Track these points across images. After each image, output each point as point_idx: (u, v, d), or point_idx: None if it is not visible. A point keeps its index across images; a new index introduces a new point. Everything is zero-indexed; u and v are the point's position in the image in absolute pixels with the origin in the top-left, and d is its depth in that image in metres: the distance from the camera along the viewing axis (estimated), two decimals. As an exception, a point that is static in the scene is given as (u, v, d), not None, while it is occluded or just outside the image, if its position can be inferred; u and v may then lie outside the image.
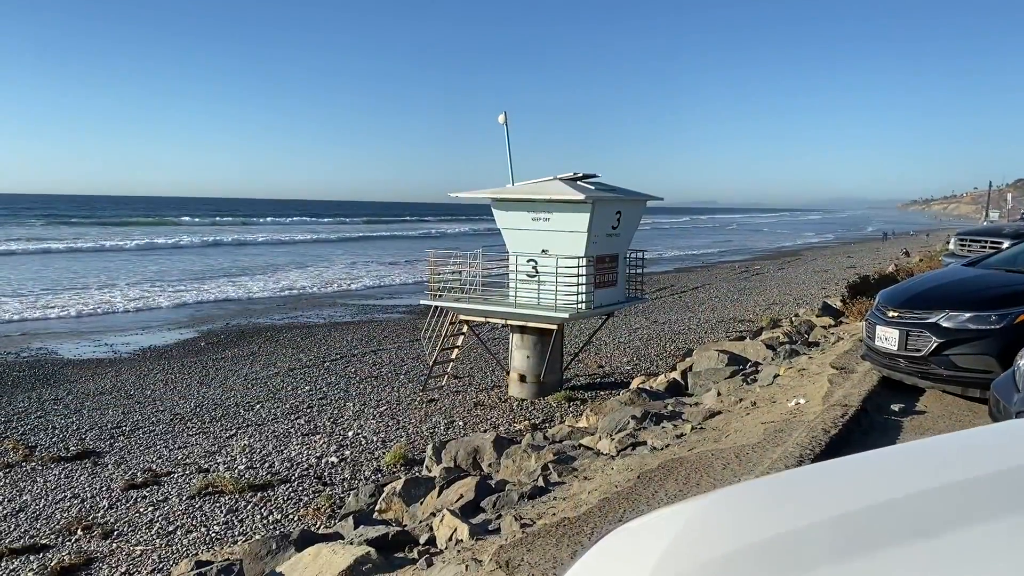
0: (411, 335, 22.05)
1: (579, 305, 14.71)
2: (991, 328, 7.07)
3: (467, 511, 6.16)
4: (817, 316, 17.06)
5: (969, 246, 13.64)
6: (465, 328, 16.34)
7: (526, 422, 13.22)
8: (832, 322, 15.56)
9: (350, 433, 12.84)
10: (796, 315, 19.91)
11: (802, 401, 7.34)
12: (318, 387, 16.26)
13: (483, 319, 15.67)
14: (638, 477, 5.46)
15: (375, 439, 12.54)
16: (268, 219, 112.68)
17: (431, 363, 16.19)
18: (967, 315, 7.14)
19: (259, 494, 10.11)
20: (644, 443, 7.04)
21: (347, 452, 11.82)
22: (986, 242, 13.20)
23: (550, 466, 6.82)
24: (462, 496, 6.65)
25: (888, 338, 7.67)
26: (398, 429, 13.12)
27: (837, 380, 8.15)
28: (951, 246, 14.86)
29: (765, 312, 25.45)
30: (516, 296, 15.05)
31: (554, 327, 14.98)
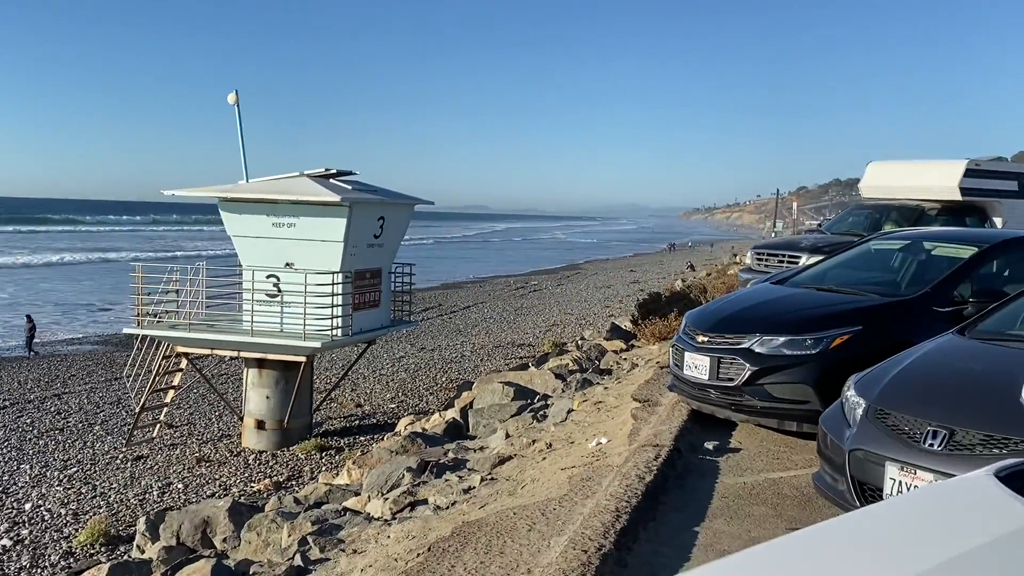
0: (109, 372, 21.62)
1: (334, 331, 14.84)
2: (807, 354, 7.36)
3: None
4: (606, 339, 18.07)
5: (767, 261, 14.75)
6: (184, 363, 16.13)
7: (267, 480, 13.16)
8: (624, 346, 16.47)
9: (27, 505, 12.38)
10: (582, 338, 21.41)
11: (604, 441, 7.47)
12: (-23, 446, 16.02)
13: (208, 351, 15.56)
14: (428, 550, 5.17)
15: (63, 512, 12.12)
16: None
17: (138, 409, 15.70)
18: (781, 339, 7.35)
19: None
20: (425, 501, 7.06)
21: (24, 532, 11.42)
22: (784, 256, 14.36)
23: (309, 539, 6.63)
24: (193, 586, 6.14)
25: (698, 366, 7.75)
26: (95, 497, 12.79)
27: (641, 415, 8.33)
28: (748, 260, 16.02)
29: (546, 334, 27.47)
30: (252, 321, 14.90)
31: (302, 359, 15.01)
